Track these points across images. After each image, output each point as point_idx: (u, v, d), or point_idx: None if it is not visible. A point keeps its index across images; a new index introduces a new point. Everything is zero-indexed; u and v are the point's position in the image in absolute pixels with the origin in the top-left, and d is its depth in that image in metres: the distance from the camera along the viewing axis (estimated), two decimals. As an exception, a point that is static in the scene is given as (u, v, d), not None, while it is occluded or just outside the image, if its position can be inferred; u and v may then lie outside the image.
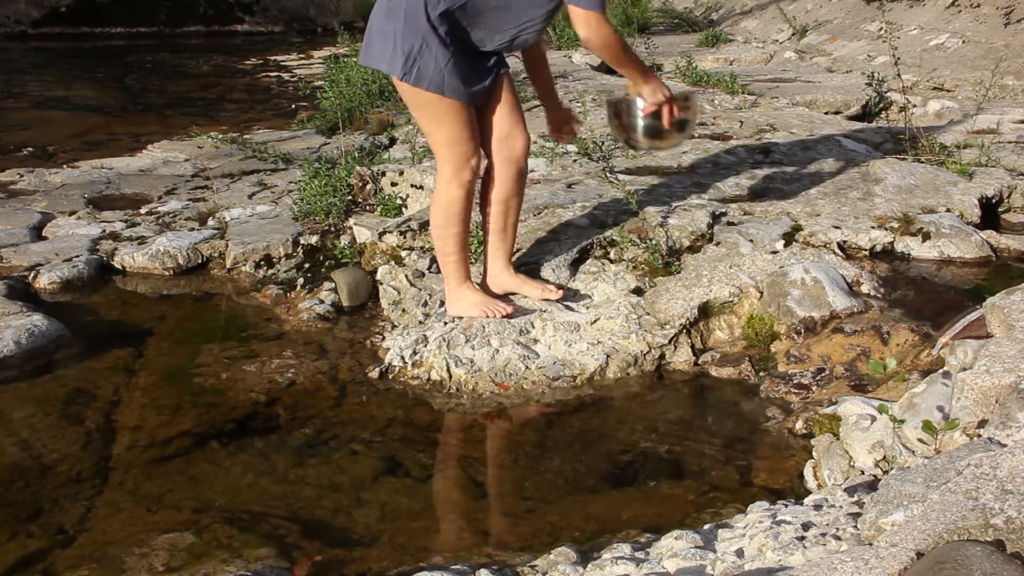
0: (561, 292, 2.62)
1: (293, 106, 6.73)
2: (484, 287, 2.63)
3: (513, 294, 2.63)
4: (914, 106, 4.74)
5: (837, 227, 2.83)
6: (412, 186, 3.50)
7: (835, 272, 2.58)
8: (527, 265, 2.76)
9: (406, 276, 2.85)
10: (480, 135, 2.43)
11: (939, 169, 3.36)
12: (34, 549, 1.70)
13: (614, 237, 2.85)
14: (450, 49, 2.24)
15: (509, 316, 2.51)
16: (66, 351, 2.56)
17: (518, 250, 2.78)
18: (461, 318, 2.57)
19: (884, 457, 1.75)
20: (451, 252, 2.49)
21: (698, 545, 1.52)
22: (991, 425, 1.54)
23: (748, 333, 2.53)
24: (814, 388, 2.26)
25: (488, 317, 2.50)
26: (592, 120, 4.30)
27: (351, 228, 3.29)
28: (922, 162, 3.51)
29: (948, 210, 2.97)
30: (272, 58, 10.51)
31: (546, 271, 2.74)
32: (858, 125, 4.61)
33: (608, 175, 3.28)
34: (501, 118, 2.43)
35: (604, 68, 6.43)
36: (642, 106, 2.36)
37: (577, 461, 2.05)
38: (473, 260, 2.70)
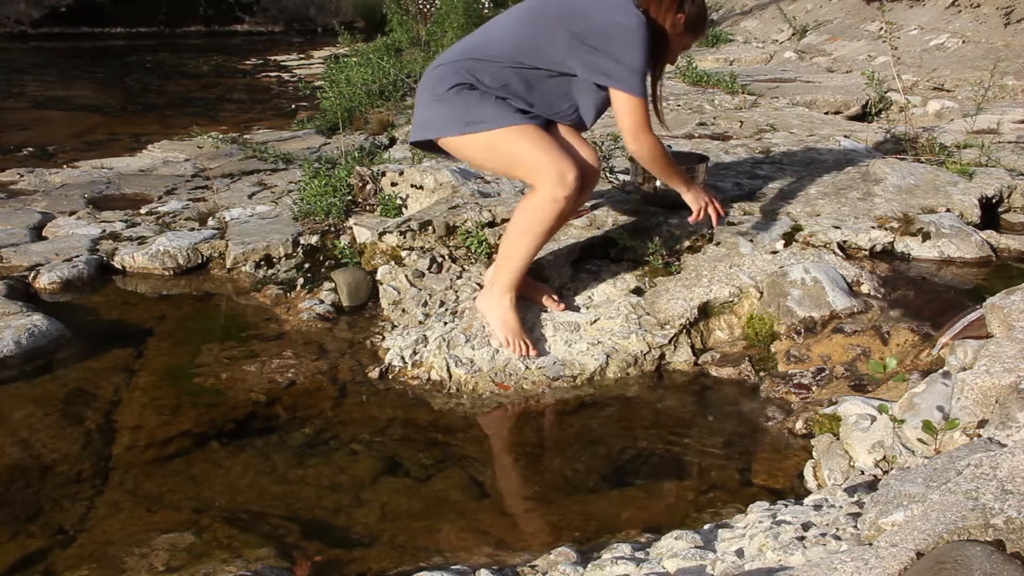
0: (563, 305, 2.60)
1: (293, 106, 6.74)
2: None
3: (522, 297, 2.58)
4: (914, 106, 4.74)
5: (837, 227, 2.83)
6: (412, 186, 3.50)
7: (835, 272, 2.58)
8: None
9: (406, 276, 2.85)
10: None
11: (939, 169, 3.36)
12: (34, 549, 1.70)
13: (614, 237, 2.85)
14: (494, 92, 2.31)
15: (526, 356, 2.43)
16: (66, 351, 2.56)
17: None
18: (462, 318, 2.57)
19: (884, 457, 1.75)
20: (513, 258, 2.41)
21: (698, 545, 1.52)
22: (991, 425, 1.54)
23: (748, 333, 2.53)
24: (814, 388, 2.26)
25: (506, 347, 2.43)
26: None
27: (351, 228, 3.29)
28: (922, 162, 3.51)
29: (948, 210, 2.96)
30: (272, 58, 10.52)
31: (546, 271, 2.74)
32: (858, 125, 4.62)
33: (608, 175, 3.28)
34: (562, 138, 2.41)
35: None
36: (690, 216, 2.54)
37: (577, 461, 2.05)
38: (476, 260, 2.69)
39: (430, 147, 2.46)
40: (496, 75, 2.30)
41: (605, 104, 2.36)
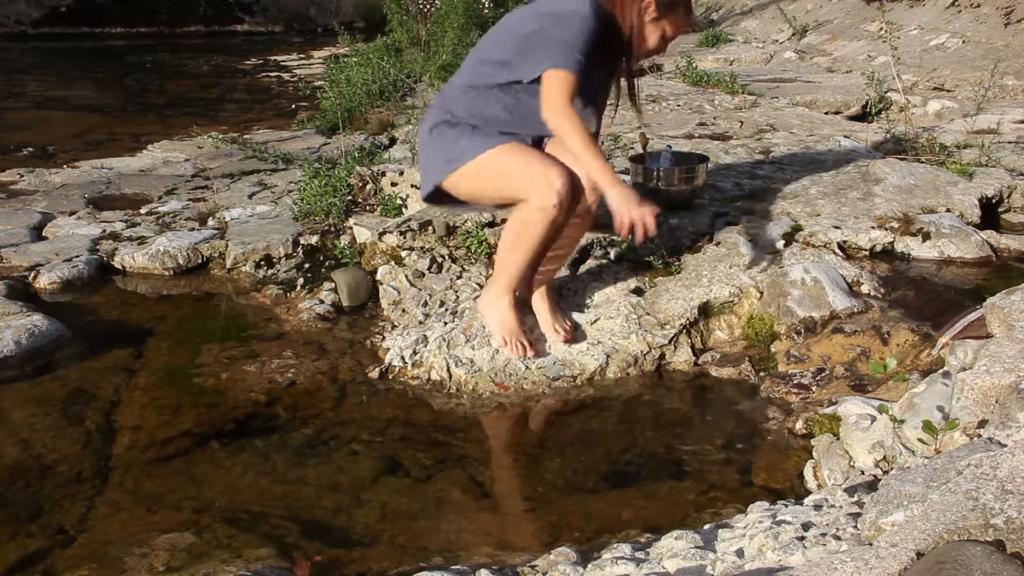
0: (565, 336, 2.49)
1: (293, 106, 6.74)
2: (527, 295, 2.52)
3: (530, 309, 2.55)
4: (914, 106, 4.74)
5: (837, 227, 2.83)
6: (412, 186, 3.50)
7: (835, 272, 2.58)
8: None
9: (406, 276, 2.85)
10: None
11: (939, 169, 3.35)
12: (34, 549, 1.70)
13: (614, 237, 2.85)
14: (470, 121, 2.28)
15: (524, 356, 2.42)
16: (66, 351, 2.56)
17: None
18: (462, 318, 2.57)
19: (884, 457, 1.75)
20: (510, 265, 2.35)
21: (698, 545, 1.52)
22: (991, 425, 1.54)
23: (748, 333, 2.53)
24: (814, 388, 2.26)
25: (504, 346, 2.42)
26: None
27: (351, 228, 3.29)
28: (922, 162, 3.50)
29: (948, 210, 2.96)
30: (272, 58, 10.52)
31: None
32: (858, 125, 4.62)
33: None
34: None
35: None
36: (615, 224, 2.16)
37: (577, 461, 2.05)
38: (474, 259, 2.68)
39: (442, 200, 2.42)
40: (471, 103, 2.28)
41: (593, 112, 2.34)
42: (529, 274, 2.42)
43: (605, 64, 2.31)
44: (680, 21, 2.29)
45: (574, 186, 2.22)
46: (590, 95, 2.31)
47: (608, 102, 2.49)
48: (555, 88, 2.12)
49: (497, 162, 2.24)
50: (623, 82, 2.41)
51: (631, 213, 2.10)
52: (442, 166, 2.31)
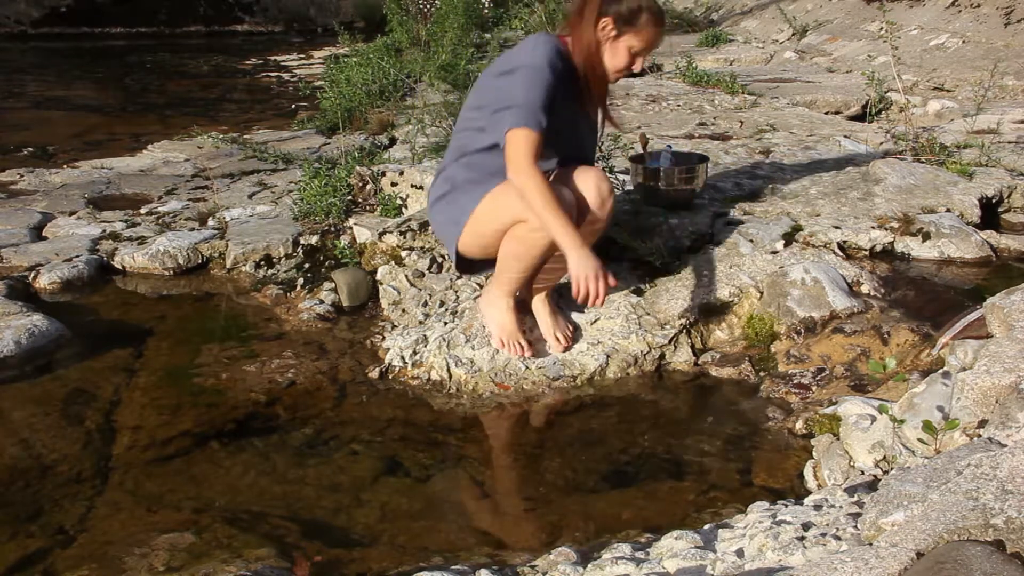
0: (564, 346, 2.47)
1: (293, 106, 6.73)
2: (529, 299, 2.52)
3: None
4: (914, 106, 4.74)
5: (837, 227, 2.83)
6: (412, 186, 3.50)
7: (835, 272, 2.58)
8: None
9: (406, 276, 2.85)
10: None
11: (939, 169, 3.35)
12: (34, 549, 1.70)
13: (614, 237, 2.85)
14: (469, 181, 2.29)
15: (522, 356, 2.41)
16: (66, 351, 2.56)
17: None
18: (462, 317, 2.57)
19: (884, 457, 1.75)
20: (510, 272, 2.34)
21: (698, 545, 1.52)
22: (991, 425, 1.54)
23: (748, 333, 2.53)
24: (814, 388, 2.25)
25: (502, 347, 2.42)
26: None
27: (351, 228, 3.29)
28: (922, 162, 3.50)
29: (948, 210, 2.96)
30: (272, 58, 10.52)
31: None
32: (858, 125, 4.62)
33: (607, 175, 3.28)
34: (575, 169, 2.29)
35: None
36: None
37: (577, 461, 2.05)
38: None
39: (472, 267, 2.45)
40: (466, 169, 2.29)
41: (587, 128, 2.33)
42: (530, 281, 2.43)
43: (582, 96, 2.28)
44: (647, 33, 2.19)
45: (580, 209, 2.22)
46: (574, 125, 2.30)
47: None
48: (516, 148, 2.08)
49: (499, 200, 2.22)
50: (600, 109, 2.38)
51: (587, 283, 2.05)
52: (452, 230, 2.32)
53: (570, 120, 2.27)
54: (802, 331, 2.43)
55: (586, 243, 2.11)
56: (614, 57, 2.21)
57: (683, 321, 2.53)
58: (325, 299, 2.88)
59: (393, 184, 3.57)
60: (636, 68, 2.24)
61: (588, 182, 2.25)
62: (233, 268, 3.18)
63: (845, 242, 2.77)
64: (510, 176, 2.12)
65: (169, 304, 2.96)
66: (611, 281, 2.07)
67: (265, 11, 13.88)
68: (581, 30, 2.18)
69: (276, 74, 9.14)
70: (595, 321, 2.54)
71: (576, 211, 2.21)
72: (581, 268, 2.06)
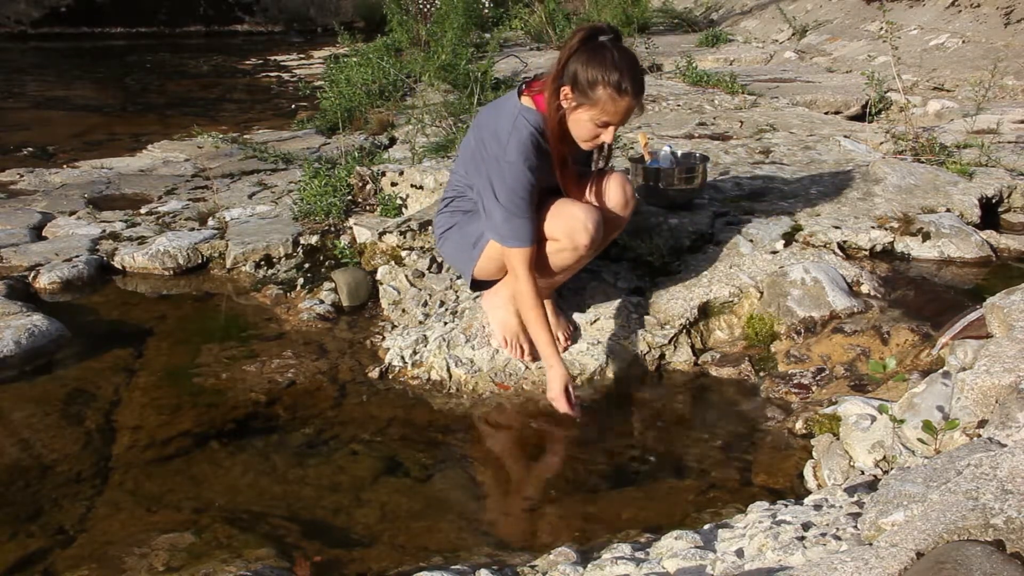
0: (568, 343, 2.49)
1: (293, 106, 6.73)
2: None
3: None
4: (914, 106, 4.74)
5: (837, 227, 2.83)
6: (412, 186, 3.50)
7: (835, 272, 2.58)
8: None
9: (406, 276, 2.85)
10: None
11: (939, 169, 3.35)
12: (34, 549, 1.70)
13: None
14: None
15: (523, 357, 2.42)
16: (66, 351, 2.56)
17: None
18: (462, 317, 2.57)
19: (884, 457, 1.75)
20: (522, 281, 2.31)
21: (698, 545, 1.52)
22: (991, 425, 1.54)
23: (748, 333, 2.53)
24: (814, 388, 2.25)
25: (504, 347, 2.43)
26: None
27: (351, 228, 3.29)
28: (922, 162, 3.50)
29: (948, 210, 2.96)
30: (272, 58, 10.52)
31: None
32: (858, 125, 4.61)
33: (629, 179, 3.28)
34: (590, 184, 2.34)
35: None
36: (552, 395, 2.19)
37: (577, 461, 2.05)
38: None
39: (484, 285, 2.47)
40: (471, 218, 2.35)
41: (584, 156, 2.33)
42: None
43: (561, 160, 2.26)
44: (607, 107, 2.03)
45: (597, 223, 2.23)
46: (556, 186, 2.29)
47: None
48: (513, 263, 2.21)
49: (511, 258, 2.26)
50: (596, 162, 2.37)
51: (554, 401, 2.17)
52: (466, 255, 2.36)
53: (554, 181, 2.26)
54: (802, 331, 2.43)
55: (602, 247, 2.27)
56: (577, 127, 2.12)
57: (683, 321, 2.53)
58: (325, 299, 2.88)
59: (393, 184, 3.57)
60: (606, 139, 2.13)
61: (614, 187, 2.32)
62: (233, 268, 3.18)
63: (845, 242, 2.77)
64: (511, 278, 2.27)
65: (169, 304, 2.96)
66: (567, 408, 2.15)
67: (265, 11, 13.88)
68: (547, 98, 2.12)
69: (276, 74, 9.13)
70: (595, 321, 2.54)
71: (600, 215, 2.25)
72: (551, 386, 2.18)
